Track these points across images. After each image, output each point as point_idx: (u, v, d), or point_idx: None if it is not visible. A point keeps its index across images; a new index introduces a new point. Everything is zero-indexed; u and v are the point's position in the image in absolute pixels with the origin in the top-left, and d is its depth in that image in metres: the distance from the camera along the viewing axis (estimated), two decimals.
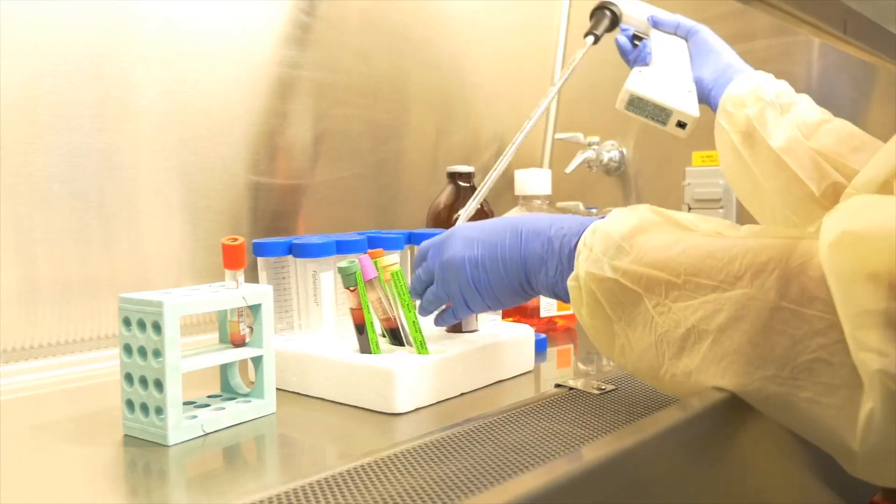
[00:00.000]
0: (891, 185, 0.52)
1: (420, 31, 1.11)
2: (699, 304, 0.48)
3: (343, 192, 1.02)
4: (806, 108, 0.77)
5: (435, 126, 1.16)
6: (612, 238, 0.54)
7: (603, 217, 0.58)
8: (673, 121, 0.79)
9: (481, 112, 1.23)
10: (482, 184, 0.81)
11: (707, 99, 0.83)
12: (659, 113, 0.79)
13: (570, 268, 0.57)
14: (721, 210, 1.11)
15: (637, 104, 0.79)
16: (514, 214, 0.88)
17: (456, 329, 0.71)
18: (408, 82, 1.10)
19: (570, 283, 0.56)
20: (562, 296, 0.59)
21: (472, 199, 0.81)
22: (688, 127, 0.79)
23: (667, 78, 0.82)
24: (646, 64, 0.85)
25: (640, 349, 0.53)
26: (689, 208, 1.13)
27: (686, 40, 0.88)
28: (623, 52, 0.92)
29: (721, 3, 1.10)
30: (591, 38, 0.88)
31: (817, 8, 0.45)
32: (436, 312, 0.67)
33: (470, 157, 1.21)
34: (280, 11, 0.92)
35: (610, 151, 1.22)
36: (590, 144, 1.20)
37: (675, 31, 0.89)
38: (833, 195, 0.71)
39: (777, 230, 0.50)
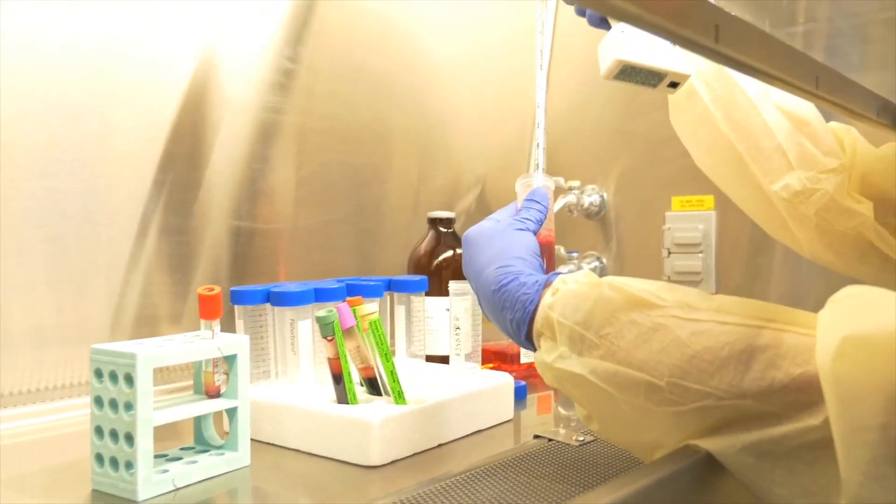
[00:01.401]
0: None
1: (402, 77, 1.12)
2: (690, 411, 0.45)
3: (324, 237, 1.01)
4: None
5: (416, 170, 1.16)
6: (576, 330, 0.50)
7: (556, 275, 0.53)
8: (665, 83, 0.72)
9: (463, 157, 1.24)
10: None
11: None
12: (651, 77, 0.71)
13: (531, 345, 0.54)
14: (701, 254, 1.11)
15: (628, 73, 0.71)
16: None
17: None
18: (390, 127, 1.11)
19: (538, 366, 0.53)
20: None
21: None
22: (679, 86, 0.72)
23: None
24: None
25: (624, 442, 0.54)
26: (669, 252, 1.14)
27: None
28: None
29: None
30: None
31: (788, 65, 0.46)
32: None
33: (451, 202, 1.21)
34: (264, 58, 0.92)
35: (591, 196, 1.23)
36: (571, 189, 1.21)
37: None
38: (800, 156, 0.70)
39: (755, 307, 0.46)
